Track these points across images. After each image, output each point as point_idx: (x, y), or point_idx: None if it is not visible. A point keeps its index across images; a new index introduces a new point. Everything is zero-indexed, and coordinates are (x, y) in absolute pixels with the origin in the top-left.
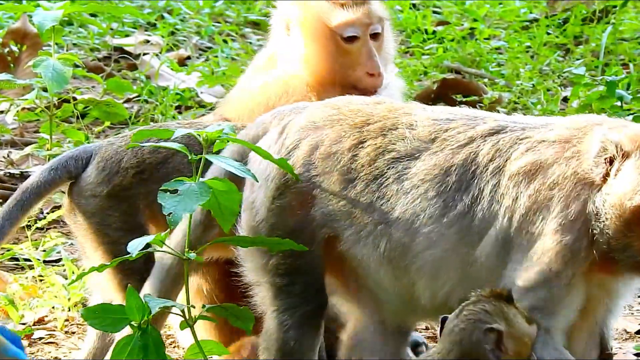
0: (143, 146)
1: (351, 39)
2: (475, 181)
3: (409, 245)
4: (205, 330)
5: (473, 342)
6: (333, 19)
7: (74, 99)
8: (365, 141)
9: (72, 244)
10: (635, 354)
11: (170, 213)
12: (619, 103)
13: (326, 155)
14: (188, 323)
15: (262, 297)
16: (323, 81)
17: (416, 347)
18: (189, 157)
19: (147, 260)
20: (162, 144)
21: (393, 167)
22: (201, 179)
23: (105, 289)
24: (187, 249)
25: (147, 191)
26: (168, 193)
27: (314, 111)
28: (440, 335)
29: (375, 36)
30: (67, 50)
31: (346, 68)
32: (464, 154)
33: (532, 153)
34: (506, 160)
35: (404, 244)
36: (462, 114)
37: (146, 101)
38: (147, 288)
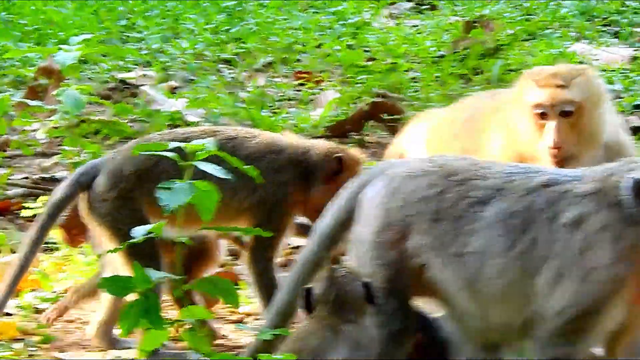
0: (139, 155)
1: (541, 115)
2: (534, 225)
3: (481, 274)
4: None
5: (356, 295)
6: (530, 96)
7: (90, 119)
8: (450, 189)
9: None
10: None
11: (166, 204)
12: None
13: (419, 199)
14: (180, 291)
15: None
16: (523, 142)
17: None
18: (180, 164)
19: (149, 244)
20: (162, 153)
21: (470, 210)
22: (188, 181)
23: (118, 268)
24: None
25: (146, 190)
26: (164, 190)
27: (413, 164)
28: (307, 306)
29: (567, 114)
30: (83, 83)
31: (537, 138)
32: (524, 202)
33: (578, 206)
34: (557, 212)
35: (478, 273)
36: (524, 168)
37: (145, 121)
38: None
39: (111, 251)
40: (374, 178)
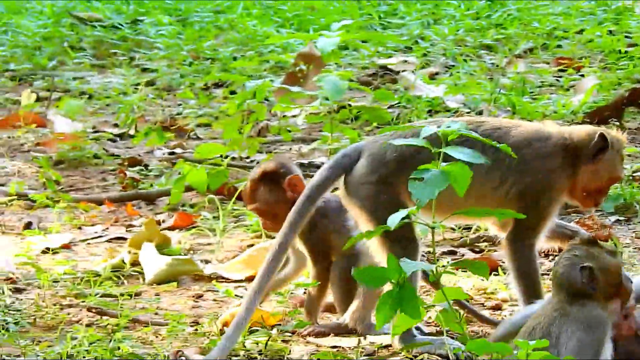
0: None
1: None
2: None
3: None
4: None
5: (573, 280)
6: None
7: (349, 105)
8: None
9: None
10: None
11: (417, 198)
12: None
13: None
14: (435, 277)
15: None
16: None
17: None
18: (432, 150)
19: (406, 229)
20: (410, 141)
21: None
22: (439, 167)
23: (373, 253)
24: (434, 220)
25: (406, 177)
26: (416, 181)
27: None
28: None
29: None
30: (343, 68)
31: None
32: None
33: None
34: None
35: None
36: None
37: (404, 107)
38: None
39: (367, 236)
40: None
